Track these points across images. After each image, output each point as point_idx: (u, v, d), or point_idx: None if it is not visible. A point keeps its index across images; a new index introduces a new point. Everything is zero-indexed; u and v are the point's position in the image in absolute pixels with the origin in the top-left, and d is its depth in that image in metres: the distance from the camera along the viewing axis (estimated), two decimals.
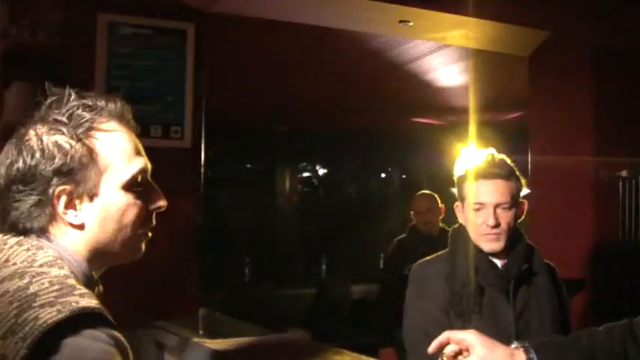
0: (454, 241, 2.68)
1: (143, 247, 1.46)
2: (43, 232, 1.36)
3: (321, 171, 8.77)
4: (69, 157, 1.34)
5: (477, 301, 2.56)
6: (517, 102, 5.60)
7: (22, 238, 1.35)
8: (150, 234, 1.46)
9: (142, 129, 1.48)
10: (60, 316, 1.15)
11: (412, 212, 5.21)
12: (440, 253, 2.72)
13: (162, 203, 1.46)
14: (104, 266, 1.45)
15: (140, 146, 1.45)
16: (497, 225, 2.49)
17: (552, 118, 4.50)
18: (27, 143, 1.35)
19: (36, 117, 1.39)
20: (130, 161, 1.41)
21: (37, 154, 1.34)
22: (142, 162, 1.43)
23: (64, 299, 1.19)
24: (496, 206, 2.50)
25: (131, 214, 1.41)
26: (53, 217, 1.36)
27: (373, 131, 7.32)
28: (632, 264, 4.32)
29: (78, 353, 1.16)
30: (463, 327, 2.50)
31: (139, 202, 1.42)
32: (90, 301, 1.22)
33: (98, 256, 1.39)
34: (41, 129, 1.37)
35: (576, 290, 4.23)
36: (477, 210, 2.52)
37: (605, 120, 4.34)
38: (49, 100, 1.40)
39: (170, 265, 3.19)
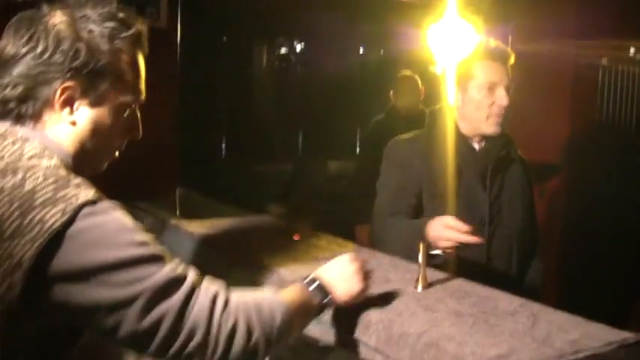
0: (433, 121, 2.66)
1: (104, 167, 1.50)
2: (34, 120, 1.35)
3: (299, 47, 8.62)
4: (94, 59, 1.34)
5: (454, 184, 2.59)
6: None
7: (5, 129, 1.34)
8: (115, 157, 1.50)
9: None
10: (65, 218, 1.18)
11: (392, 93, 5.19)
12: (417, 132, 2.71)
13: (139, 135, 1.50)
14: None
15: None
16: (507, 106, 2.50)
17: (536, 1, 4.43)
18: (56, 28, 1.34)
19: (73, 2, 1.38)
20: (137, 88, 1.44)
21: (66, 44, 1.33)
22: (143, 93, 1.47)
23: (62, 193, 1.21)
24: (507, 88, 2.51)
25: (116, 134, 1.44)
26: (49, 108, 1.35)
27: (352, 6, 7.17)
28: (606, 152, 4.37)
29: (97, 232, 1.20)
30: (437, 208, 2.52)
31: (125, 125, 1.45)
32: (87, 192, 1.24)
33: (75, 160, 1.38)
34: (72, 17, 1.35)
35: (551, 175, 4.29)
36: (489, 89, 2.51)
37: (589, 7, 4.27)
38: None
39: (149, 144, 3.17)
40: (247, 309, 1.36)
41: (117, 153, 1.50)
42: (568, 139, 4.40)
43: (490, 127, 2.54)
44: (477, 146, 2.60)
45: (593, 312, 1.75)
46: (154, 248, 1.26)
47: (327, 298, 1.57)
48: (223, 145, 7.67)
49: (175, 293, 1.25)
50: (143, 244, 1.25)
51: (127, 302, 1.20)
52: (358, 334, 1.63)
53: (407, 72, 5.20)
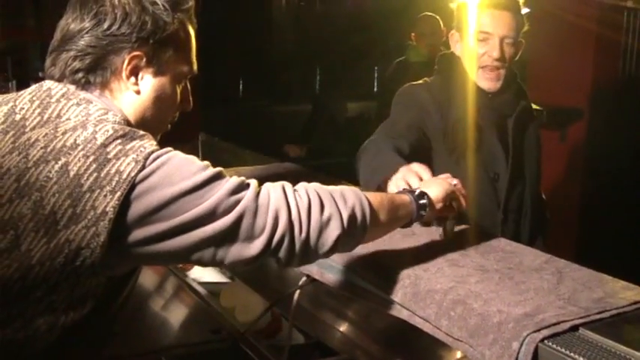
0: (445, 69, 2.55)
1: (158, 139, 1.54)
2: (100, 88, 1.43)
3: None
4: (160, 29, 1.43)
5: (473, 137, 2.51)
6: None
7: (66, 89, 1.40)
8: (168, 128, 1.57)
9: None
10: (139, 166, 1.27)
11: (414, 34, 5.14)
12: (427, 80, 2.58)
13: (190, 106, 1.58)
14: None
15: None
16: (500, 58, 2.39)
17: None
18: (122, 2, 1.41)
19: None
20: (192, 59, 1.53)
21: (133, 17, 1.40)
22: (196, 65, 1.55)
23: (131, 144, 1.30)
24: (502, 39, 2.39)
25: (172, 104, 1.53)
26: (117, 76, 1.43)
27: None
28: (629, 96, 4.31)
29: (166, 170, 1.29)
30: (456, 164, 2.44)
31: (180, 96, 1.54)
32: (152, 142, 1.33)
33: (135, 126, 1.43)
34: None
35: (574, 119, 4.26)
36: (481, 40, 2.40)
37: None
38: None
39: None
40: (317, 189, 1.46)
41: (169, 126, 1.57)
42: (591, 83, 4.33)
43: (482, 80, 2.43)
44: (488, 96, 2.51)
45: (615, 263, 1.77)
46: (214, 168, 1.36)
47: (423, 196, 1.69)
48: (240, 85, 7.66)
49: (246, 191, 1.35)
50: (206, 167, 1.35)
51: (208, 213, 1.30)
52: (385, 289, 1.65)
53: (429, 12, 5.14)
